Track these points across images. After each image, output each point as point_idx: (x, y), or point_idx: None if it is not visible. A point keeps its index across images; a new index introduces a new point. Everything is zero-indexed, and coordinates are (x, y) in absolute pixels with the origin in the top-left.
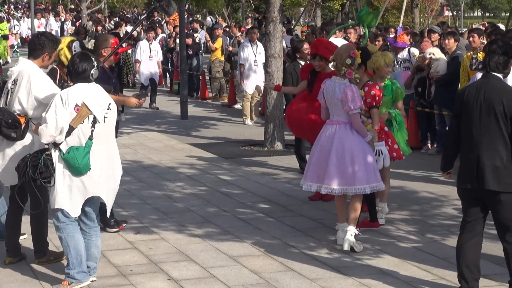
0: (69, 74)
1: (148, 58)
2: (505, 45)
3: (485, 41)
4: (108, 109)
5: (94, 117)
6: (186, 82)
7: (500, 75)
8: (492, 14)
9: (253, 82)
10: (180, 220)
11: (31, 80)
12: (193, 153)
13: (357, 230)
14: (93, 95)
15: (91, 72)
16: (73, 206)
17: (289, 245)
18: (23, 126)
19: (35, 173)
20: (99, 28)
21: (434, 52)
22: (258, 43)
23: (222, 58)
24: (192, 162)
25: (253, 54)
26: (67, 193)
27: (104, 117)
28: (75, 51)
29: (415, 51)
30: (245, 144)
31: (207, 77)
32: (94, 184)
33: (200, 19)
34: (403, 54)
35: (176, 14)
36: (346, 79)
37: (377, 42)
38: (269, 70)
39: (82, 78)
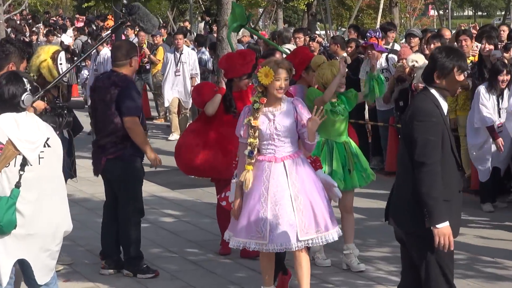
0: None
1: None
2: (432, 54)
3: (484, 45)
4: (45, 146)
5: (24, 158)
6: None
7: (432, 89)
8: (485, 13)
9: (173, 94)
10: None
11: None
12: None
13: None
14: (22, 129)
15: (22, 99)
16: None
17: None
18: None
19: None
20: (34, 37)
21: (417, 59)
22: (186, 51)
23: None
24: None
25: (174, 64)
26: None
27: (39, 158)
28: (61, 64)
29: (394, 57)
30: None
31: (150, 94)
32: (20, 245)
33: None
34: (381, 62)
35: (111, 17)
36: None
37: (349, 48)
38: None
39: (10, 107)
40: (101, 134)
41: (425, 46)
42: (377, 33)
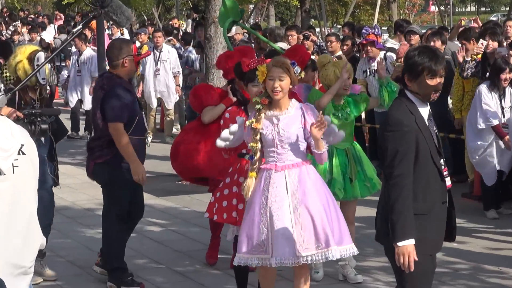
0: None
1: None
2: (406, 53)
3: (488, 42)
4: (19, 153)
5: None
6: None
7: (408, 93)
8: (489, 9)
9: (154, 94)
10: (101, 276)
11: None
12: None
13: None
14: None
15: None
16: None
17: None
18: None
19: None
20: (16, 37)
21: None
22: (166, 49)
23: None
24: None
25: (153, 62)
26: None
27: (13, 166)
28: (37, 65)
29: (392, 56)
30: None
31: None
32: None
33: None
34: (378, 60)
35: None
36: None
37: (345, 47)
38: (211, 83)
39: None
40: (92, 137)
41: (425, 43)
42: (376, 30)
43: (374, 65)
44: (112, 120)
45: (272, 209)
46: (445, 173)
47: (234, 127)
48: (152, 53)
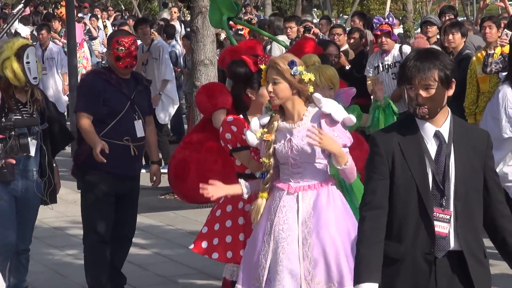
0: None
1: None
2: None
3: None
4: None
5: None
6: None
7: None
8: None
9: None
10: None
11: None
12: None
13: None
14: None
15: None
16: None
17: None
18: None
19: None
20: None
21: None
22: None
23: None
24: None
25: None
26: None
27: None
28: (28, 62)
29: (407, 49)
30: (166, 192)
31: None
32: None
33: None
34: (393, 53)
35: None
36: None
37: (352, 40)
38: (198, 83)
39: None
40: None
41: (442, 36)
42: (389, 19)
43: (388, 59)
44: (77, 109)
45: (278, 239)
46: (445, 217)
47: (255, 124)
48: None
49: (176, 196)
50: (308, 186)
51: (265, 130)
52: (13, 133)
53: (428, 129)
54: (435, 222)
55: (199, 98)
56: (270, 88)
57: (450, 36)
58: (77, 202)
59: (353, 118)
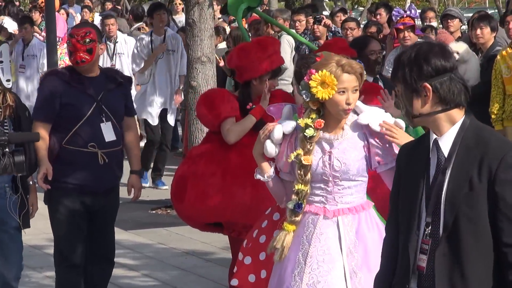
0: None
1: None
2: None
3: None
4: None
5: None
6: None
7: None
8: None
9: None
10: None
11: None
12: None
13: None
14: None
15: None
16: None
17: None
18: None
19: None
20: None
21: (459, 50)
22: (122, 38)
23: None
24: None
25: (108, 57)
26: None
27: None
28: (1, 61)
29: None
30: (157, 206)
31: None
32: None
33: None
34: None
35: None
36: None
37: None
38: (194, 83)
39: None
40: None
41: (470, 32)
42: (411, 11)
43: None
44: (32, 118)
45: (318, 272)
46: (424, 247)
47: (278, 133)
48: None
49: (168, 211)
50: (348, 209)
51: (300, 152)
52: (6, 150)
53: (431, 138)
54: (418, 252)
55: (199, 110)
56: (351, 98)
57: (478, 31)
58: None
59: (401, 123)
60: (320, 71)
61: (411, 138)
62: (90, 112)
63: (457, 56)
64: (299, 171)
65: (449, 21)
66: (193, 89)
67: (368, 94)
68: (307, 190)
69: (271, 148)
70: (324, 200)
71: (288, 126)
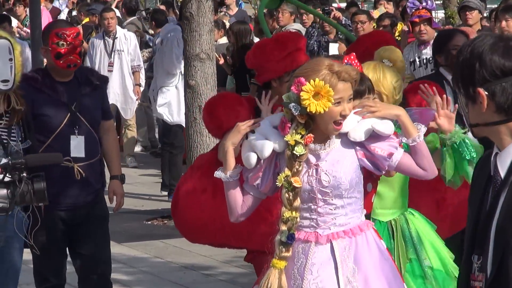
0: None
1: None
2: None
3: None
4: None
5: None
6: None
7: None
8: None
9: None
10: None
11: None
12: None
13: None
14: None
15: None
16: None
17: None
18: None
19: None
20: None
21: None
22: (121, 33)
23: None
24: None
25: (106, 54)
26: None
27: None
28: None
29: None
30: (153, 216)
31: None
32: None
33: None
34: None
35: None
36: None
37: (381, 28)
38: (192, 82)
39: None
40: None
41: (493, 24)
42: (427, 3)
43: (427, 53)
44: None
45: None
46: (476, 284)
47: (268, 150)
48: (102, 40)
49: (165, 222)
50: (344, 232)
51: (288, 172)
52: (24, 174)
53: (492, 153)
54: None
55: (203, 117)
56: (347, 109)
57: (504, 23)
58: None
59: (386, 127)
60: (312, 80)
61: (395, 106)
62: (64, 122)
63: None
64: (287, 195)
65: (467, 13)
66: (191, 88)
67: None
68: (297, 219)
69: (253, 160)
70: (314, 223)
71: (279, 142)
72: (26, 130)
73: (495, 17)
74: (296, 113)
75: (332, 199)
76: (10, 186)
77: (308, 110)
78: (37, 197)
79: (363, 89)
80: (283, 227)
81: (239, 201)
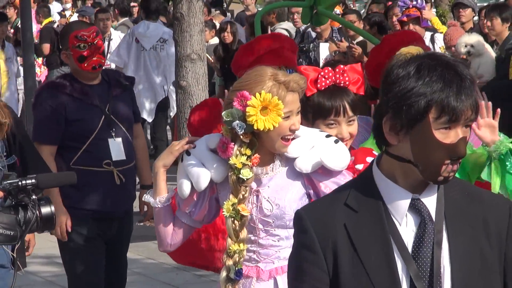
0: None
1: None
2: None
3: None
4: None
5: None
6: None
7: (383, 160)
8: None
9: None
10: None
11: None
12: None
13: None
14: None
15: None
16: None
17: None
18: None
19: None
20: None
21: (473, 43)
22: (116, 35)
23: None
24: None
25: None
26: None
27: None
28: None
29: (441, 38)
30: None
31: None
32: None
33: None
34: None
35: None
36: None
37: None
38: (183, 83)
39: None
40: None
41: (483, 22)
42: (417, 2)
43: None
44: (33, 139)
45: None
46: None
47: (204, 181)
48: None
49: None
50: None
51: (234, 199)
52: (34, 196)
53: (398, 197)
54: None
55: (188, 128)
56: (297, 123)
57: (493, 21)
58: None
59: (336, 163)
60: (258, 94)
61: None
62: (100, 126)
63: (471, 49)
64: (233, 226)
65: (460, 10)
66: (182, 89)
67: None
68: (244, 251)
69: (186, 189)
70: (256, 257)
71: (216, 169)
72: (11, 145)
73: (485, 15)
74: (241, 132)
75: (274, 230)
76: (18, 211)
77: (255, 128)
78: (44, 224)
79: None
80: (229, 262)
81: (170, 230)
